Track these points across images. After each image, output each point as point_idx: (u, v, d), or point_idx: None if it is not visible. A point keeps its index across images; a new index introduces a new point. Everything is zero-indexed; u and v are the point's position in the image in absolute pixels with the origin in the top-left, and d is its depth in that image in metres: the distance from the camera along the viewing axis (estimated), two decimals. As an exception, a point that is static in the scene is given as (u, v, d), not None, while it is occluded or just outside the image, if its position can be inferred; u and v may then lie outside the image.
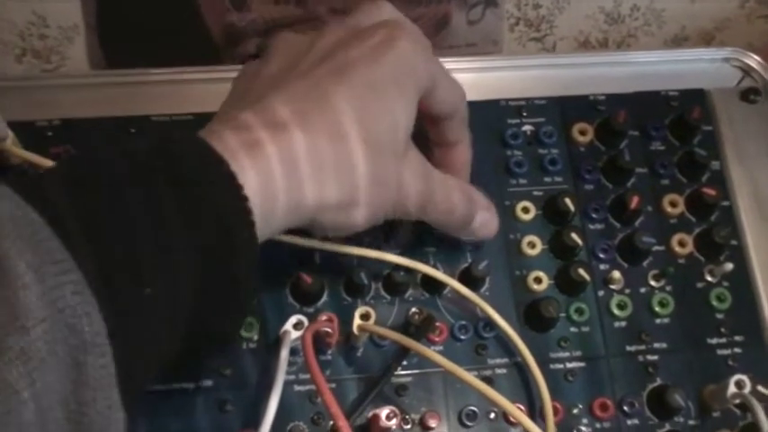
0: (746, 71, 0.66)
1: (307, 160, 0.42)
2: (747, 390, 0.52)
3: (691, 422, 0.55)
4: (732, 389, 0.52)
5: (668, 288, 0.58)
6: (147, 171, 0.39)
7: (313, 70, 0.45)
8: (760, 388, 0.54)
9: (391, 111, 0.45)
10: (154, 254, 0.37)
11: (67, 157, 0.55)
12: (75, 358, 0.33)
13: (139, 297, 0.36)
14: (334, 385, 0.53)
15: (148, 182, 0.38)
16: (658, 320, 0.57)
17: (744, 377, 0.53)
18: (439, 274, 0.54)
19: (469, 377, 0.49)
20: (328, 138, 0.43)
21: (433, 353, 0.50)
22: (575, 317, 0.56)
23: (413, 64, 0.47)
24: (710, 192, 0.59)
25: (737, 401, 0.54)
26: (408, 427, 0.53)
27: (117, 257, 0.36)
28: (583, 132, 0.61)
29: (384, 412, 0.51)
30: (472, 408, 0.54)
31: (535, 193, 0.60)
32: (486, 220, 0.54)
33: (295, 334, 0.50)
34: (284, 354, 0.49)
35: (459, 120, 0.53)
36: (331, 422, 0.52)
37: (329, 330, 0.52)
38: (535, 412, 0.54)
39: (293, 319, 0.51)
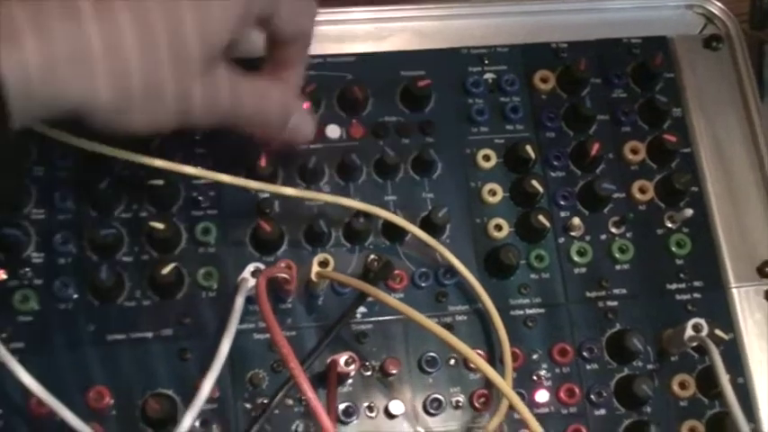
0: (709, 18, 0.66)
1: (71, 56, 0.40)
2: (704, 332, 0.53)
3: (649, 366, 0.55)
4: (689, 332, 0.53)
5: (628, 234, 0.58)
6: None
7: None
8: (718, 332, 0.55)
9: (181, 23, 0.43)
10: None
11: None
12: None
13: None
14: (294, 333, 0.53)
15: None
16: (618, 267, 0.57)
17: (701, 320, 0.53)
18: (399, 221, 0.54)
19: (428, 322, 0.48)
20: (102, 39, 0.41)
21: (390, 298, 0.50)
22: (535, 264, 0.57)
23: None
24: (671, 138, 0.59)
25: (695, 344, 0.54)
26: (369, 373, 0.53)
27: None
28: (544, 80, 0.61)
29: (343, 358, 0.51)
30: (432, 354, 0.54)
31: (496, 140, 0.59)
32: (298, 123, 0.52)
33: (252, 281, 0.50)
34: (240, 301, 0.49)
35: (302, 45, 0.51)
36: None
37: (286, 276, 0.51)
38: (495, 358, 0.54)
39: (251, 267, 0.51)
